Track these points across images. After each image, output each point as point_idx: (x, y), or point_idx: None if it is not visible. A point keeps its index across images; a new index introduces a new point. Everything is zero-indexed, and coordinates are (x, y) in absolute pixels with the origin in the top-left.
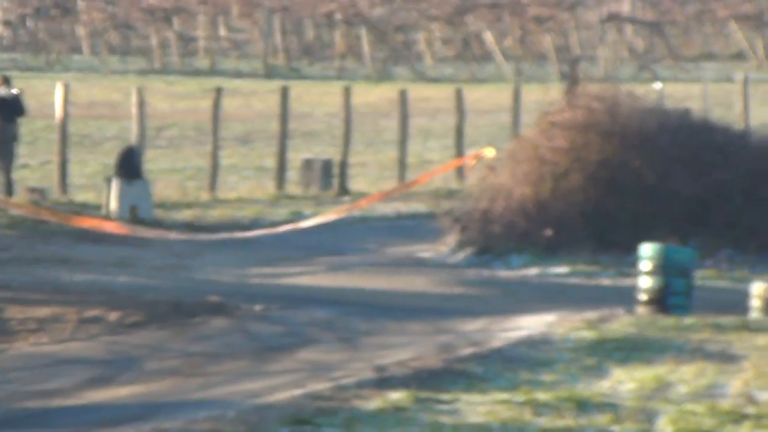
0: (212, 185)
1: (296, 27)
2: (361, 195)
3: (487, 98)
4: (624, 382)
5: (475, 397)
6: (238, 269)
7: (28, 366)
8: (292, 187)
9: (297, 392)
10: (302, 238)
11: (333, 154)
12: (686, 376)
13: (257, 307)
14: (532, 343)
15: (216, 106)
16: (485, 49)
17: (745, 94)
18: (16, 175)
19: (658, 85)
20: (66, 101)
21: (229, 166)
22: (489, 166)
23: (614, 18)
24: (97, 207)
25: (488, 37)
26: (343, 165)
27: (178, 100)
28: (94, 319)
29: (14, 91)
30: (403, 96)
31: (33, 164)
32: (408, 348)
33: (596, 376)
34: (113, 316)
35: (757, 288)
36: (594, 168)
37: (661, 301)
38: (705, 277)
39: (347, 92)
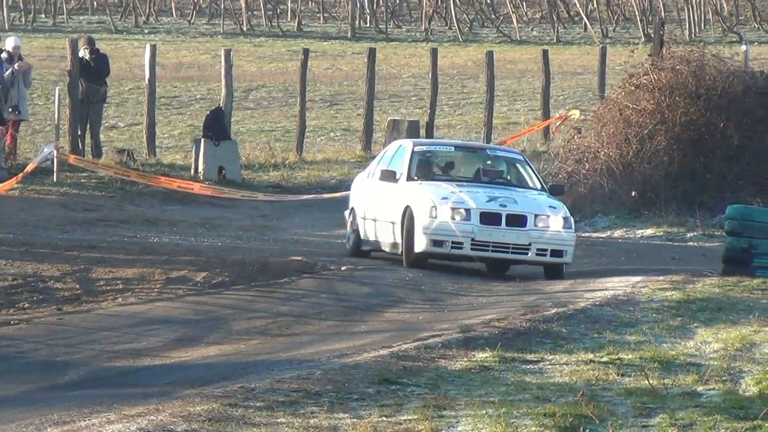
0: (299, 146)
1: None
2: None
3: (573, 60)
4: (709, 342)
5: (561, 357)
6: (325, 230)
7: (115, 326)
8: (379, 149)
9: (383, 352)
10: None
11: (419, 115)
12: None
13: (344, 268)
14: (617, 303)
15: (303, 67)
16: (571, 11)
17: None
18: (104, 136)
19: (743, 47)
20: (154, 63)
21: (316, 127)
22: (575, 127)
23: None
24: (185, 168)
25: None
26: (430, 126)
27: (265, 62)
28: (181, 280)
29: (87, 51)
30: (489, 58)
31: (121, 126)
32: (494, 308)
33: (681, 337)
34: (200, 276)
35: None
36: (679, 129)
37: (747, 262)
38: None
39: (434, 54)
